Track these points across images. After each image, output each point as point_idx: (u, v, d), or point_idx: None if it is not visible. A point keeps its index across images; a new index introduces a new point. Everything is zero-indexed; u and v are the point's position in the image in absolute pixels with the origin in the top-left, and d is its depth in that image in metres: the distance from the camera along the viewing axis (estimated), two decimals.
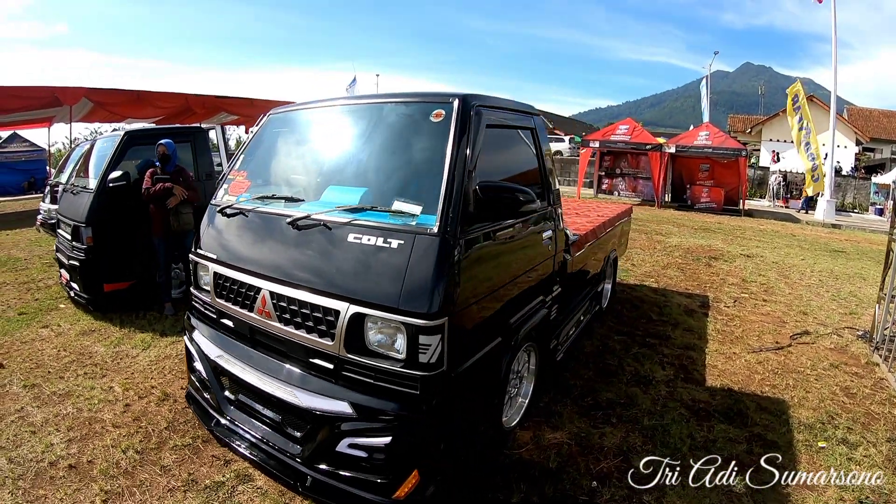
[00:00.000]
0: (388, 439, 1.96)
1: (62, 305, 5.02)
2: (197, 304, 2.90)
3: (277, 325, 2.32)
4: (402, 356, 1.96)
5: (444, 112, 2.23)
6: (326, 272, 2.18)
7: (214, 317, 2.74)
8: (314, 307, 2.15)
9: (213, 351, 2.64)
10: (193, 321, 2.90)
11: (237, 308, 2.54)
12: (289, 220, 2.34)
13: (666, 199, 16.84)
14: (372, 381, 2.03)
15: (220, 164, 6.79)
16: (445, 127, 2.18)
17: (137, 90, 13.91)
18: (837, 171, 15.29)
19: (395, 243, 2.01)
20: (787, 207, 17.89)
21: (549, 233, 3.00)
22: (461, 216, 2.03)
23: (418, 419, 1.96)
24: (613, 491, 2.47)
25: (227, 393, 2.63)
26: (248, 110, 15.06)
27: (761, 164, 23.51)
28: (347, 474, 2.08)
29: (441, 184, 2.04)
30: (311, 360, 2.20)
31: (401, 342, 1.96)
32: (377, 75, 37.03)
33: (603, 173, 18.48)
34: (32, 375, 3.54)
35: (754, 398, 3.46)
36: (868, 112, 31.65)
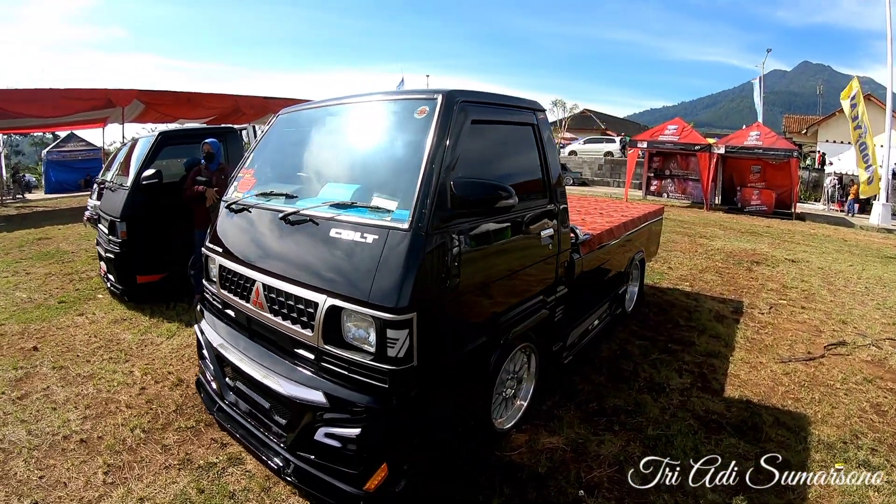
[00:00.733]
0: (357, 430, 1.99)
1: (100, 296, 5.37)
2: (207, 295, 3.05)
3: (269, 315, 2.40)
4: (372, 350, 1.98)
5: (427, 108, 2.23)
6: (309, 265, 2.26)
7: (220, 307, 2.87)
8: (298, 299, 2.22)
9: (216, 339, 2.77)
10: (203, 311, 3.04)
11: (237, 299, 2.66)
12: (281, 215, 2.43)
13: (716, 202, 16.19)
14: (347, 373, 2.06)
15: None
16: (427, 123, 2.17)
17: (188, 92, 14.60)
18: (894, 174, 14.11)
19: (370, 238, 2.04)
20: (841, 211, 16.74)
21: (550, 231, 2.91)
22: (435, 212, 2.01)
23: (387, 413, 1.97)
24: (600, 502, 2.36)
25: (227, 380, 2.74)
26: None
27: (816, 165, 22.08)
28: (324, 463, 2.13)
29: (417, 179, 2.03)
30: (295, 350, 2.28)
31: (372, 335, 1.97)
32: (427, 76, 37.46)
33: (652, 174, 17.96)
34: (62, 358, 3.81)
35: (773, 412, 3.22)
36: None
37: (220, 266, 2.80)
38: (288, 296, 2.27)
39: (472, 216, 2.21)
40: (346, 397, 2.02)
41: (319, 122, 2.99)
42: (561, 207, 3.05)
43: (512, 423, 2.89)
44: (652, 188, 17.93)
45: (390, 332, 1.92)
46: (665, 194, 17.57)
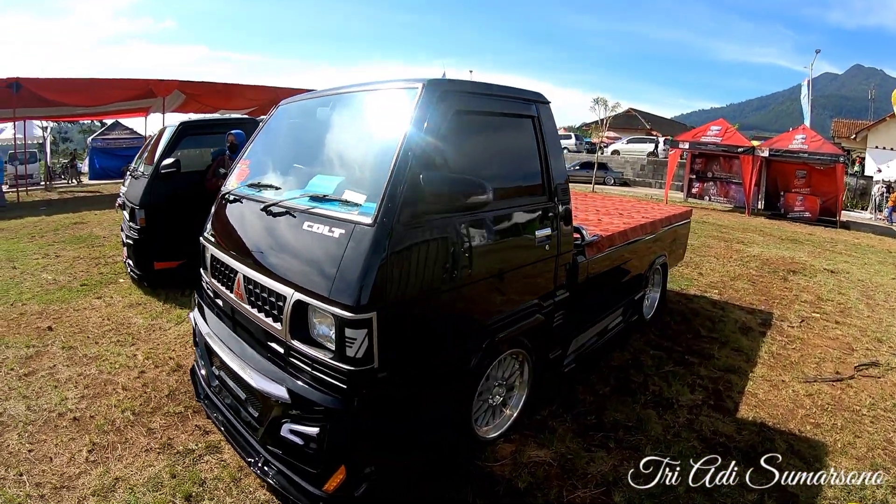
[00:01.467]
0: (316, 430, 1.94)
1: (121, 280, 5.56)
2: (202, 284, 3.06)
3: (247, 306, 2.39)
4: (333, 348, 1.91)
5: (407, 98, 2.12)
6: (283, 258, 2.23)
7: (211, 296, 2.89)
8: (270, 291, 2.19)
9: (204, 328, 2.78)
10: (198, 300, 3.06)
11: (223, 289, 2.67)
12: (262, 206, 2.39)
13: (759, 207, 15.44)
14: (311, 371, 2.01)
15: None
16: (405, 113, 2.07)
17: (227, 83, 14.94)
18: None
19: (337, 232, 1.97)
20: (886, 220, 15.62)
21: (547, 231, 2.74)
22: (403, 207, 1.91)
23: (346, 414, 1.90)
24: None
25: (213, 368, 2.76)
26: None
27: (866, 172, 20.66)
28: (289, 459, 2.10)
29: (387, 172, 1.94)
30: (268, 343, 2.25)
31: (334, 333, 1.90)
32: (470, 71, 37.16)
33: (693, 176, 17.23)
34: (73, 339, 3.94)
35: (789, 437, 2.95)
36: None
37: (212, 256, 2.81)
38: (262, 288, 2.25)
39: (447, 212, 2.09)
40: (306, 395, 1.97)
41: (311, 112, 2.94)
42: (562, 206, 2.87)
43: (499, 432, 2.76)
44: (693, 190, 17.22)
45: (348, 332, 1.84)
46: (707, 197, 16.86)
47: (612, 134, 30.78)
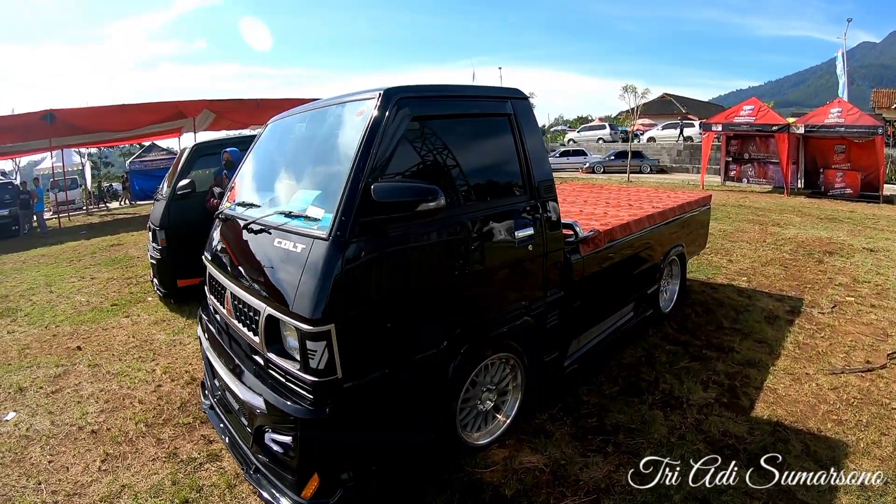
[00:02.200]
0: (289, 438, 2.02)
1: (149, 298, 5.86)
2: (206, 301, 3.20)
3: (234, 321, 2.50)
4: (299, 359, 1.98)
5: (364, 109, 2.14)
6: (258, 274, 2.31)
7: (211, 312, 3.03)
8: (249, 307, 2.29)
9: (205, 343, 2.93)
10: (202, 315, 3.21)
11: (219, 305, 2.79)
12: (243, 224, 2.48)
13: (798, 186, 14.66)
14: (285, 381, 2.09)
15: None
16: (362, 125, 2.08)
17: (256, 99, 15.40)
18: None
19: (299, 247, 2.03)
20: None
21: (529, 231, 2.67)
22: (356, 219, 1.93)
23: (315, 423, 1.95)
24: None
25: (215, 381, 2.88)
26: None
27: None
28: (274, 467, 2.18)
29: (341, 185, 1.96)
30: (252, 356, 2.36)
31: (298, 345, 1.97)
32: (500, 69, 36.58)
33: (730, 159, 16.52)
34: (99, 357, 4.20)
35: (806, 437, 2.75)
36: None
37: (209, 274, 2.97)
38: (244, 304, 2.35)
39: (407, 220, 2.07)
40: (279, 406, 2.03)
41: (291, 128, 3.01)
42: (547, 204, 2.80)
43: (490, 438, 2.72)
44: (731, 173, 16.49)
45: (309, 344, 1.90)
46: (745, 179, 16.12)
47: (646, 121, 29.86)
